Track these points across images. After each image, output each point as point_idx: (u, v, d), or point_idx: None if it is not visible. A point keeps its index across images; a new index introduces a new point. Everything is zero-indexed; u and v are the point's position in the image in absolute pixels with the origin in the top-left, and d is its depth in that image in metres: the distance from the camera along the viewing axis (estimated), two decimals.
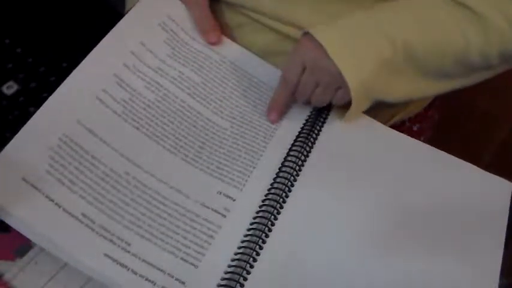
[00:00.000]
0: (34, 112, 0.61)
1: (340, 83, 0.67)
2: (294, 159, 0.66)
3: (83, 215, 0.57)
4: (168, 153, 0.65)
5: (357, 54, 0.66)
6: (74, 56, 0.66)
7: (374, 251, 0.62)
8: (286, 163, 0.66)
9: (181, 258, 0.58)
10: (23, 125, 0.60)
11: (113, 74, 0.67)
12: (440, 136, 0.92)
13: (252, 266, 0.59)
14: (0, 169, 0.57)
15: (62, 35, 0.75)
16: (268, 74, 0.74)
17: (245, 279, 0.58)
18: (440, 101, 0.75)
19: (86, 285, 0.58)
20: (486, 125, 1.39)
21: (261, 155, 0.68)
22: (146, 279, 0.56)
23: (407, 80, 0.69)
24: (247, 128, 0.70)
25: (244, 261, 0.59)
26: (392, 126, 0.74)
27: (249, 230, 0.61)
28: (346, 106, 0.69)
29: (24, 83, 0.71)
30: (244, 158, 0.67)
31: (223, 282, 0.57)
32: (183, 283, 0.57)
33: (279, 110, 0.71)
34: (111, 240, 0.57)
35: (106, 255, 0.56)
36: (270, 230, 0.61)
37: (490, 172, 0.68)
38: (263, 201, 0.63)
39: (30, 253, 0.59)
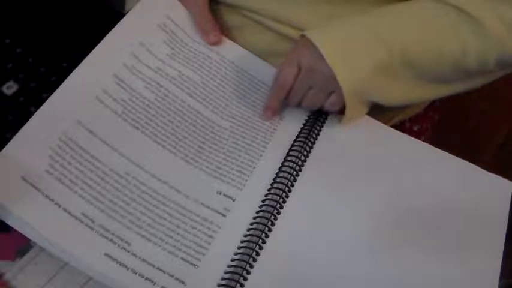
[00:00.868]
0: (34, 112, 0.61)
1: (333, 88, 0.67)
2: (294, 159, 0.66)
3: (83, 214, 0.57)
4: (168, 153, 0.65)
5: (352, 58, 0.66)
6: (74, 56, 0.66)
7: (374, 250, 0.62)
8: (286, 163, 0.66)
9: (182, 258, 0.58)
10: (23, 125, 0.60)
11: (112, 74, 0.67)
12: (440, 136, 0.92)
13: (252, 266, 0.58)
14: (0, 168, 0.57)
15: (62, 35, 0.75)
16: (268, 74, 0.74)
17: (245, 279, 0.58)
18: (441, 102, 0.75)
19: (85, 285, 0.58)
20: (486, 125, 1.39)
21: (261, 155, 0.68)
22: (146, 279, 0.56)
23: (404, 84, 0.69)
24: (247, 128, 0.70)
25: (245, 261, 0.59)
26: (393, 127, 0.74)
27: (249, 230, 0.61)
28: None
29: (24, 83, 0.71)
30: (244, 158, 0.67)
31: (224, 282, 0.57)
32: (183, 283, 0.57)
33: (274, 109, 0.72)
34: (111, 240, 0.57)
35: (106, 254, 0.56)
36: (270, 230, 0.61)
37: (490, 172, 0.68)
38: (263, 201, 0.63)
39: (30, 253, 0.59)
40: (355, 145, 0.70)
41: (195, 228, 0.60)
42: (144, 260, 0.57)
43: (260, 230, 0.61)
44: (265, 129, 0.70)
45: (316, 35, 0.66)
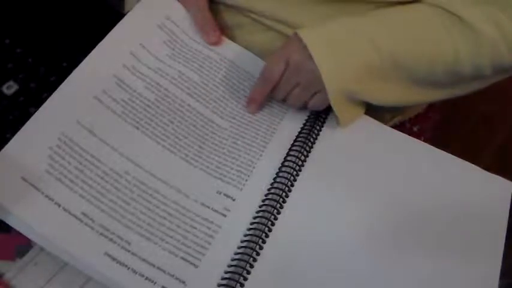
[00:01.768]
0: (34, 112, 0.61)
1: (318, 88, 0.68)
2: (294, 159, 0.66)
3: (83, 214, 0.57)
4: (168, 152, 0.65)
5: (340, 60, 0.66)
6: (74, 56, 0.66)
7: (373, 250, 0.62)
8: (286, 163, 0.66)
9: (182, 258, 0.58)
10: (23, 125, 0.60)
11: (112, 74, 0.67)
12: (440, 137, 0.92)
13: (252, 266, 0.58)
14: (0, 168, 0.57)
15: (62, 35, 0.75)
16: None
17: (245, 278, 0.58)
18: (441, 102, 0.75)
19: (85, 285, 0.58)
20: (486, 125, 1.39)
21: (261, 155, 0.68)
22: (146, 279, 0.56)
23: (396, 86, 0.69)
24: (247, 128, 0.70)
25: (245, 261, 0.59)
26: (393, 127, 0.74)
27: (249, 229, 0.61)
28: None
29: (24, 83, 0.71)
30: (244, 158, 0.67)
31: (224, 282, 0.57)
32: (183, 282, 0.57)
33: (258, 103, 0.72)
34: (111, 239, 0.57)
35: (106, 254, 0.56)
36: (270, 230, 0.61)
37: (490, 172, 0.68)
38: (263, 200, 0.63)
39: (30, 253, 0.59)
40: (355, 145, 0.70)
41: (195, 228, 0.60)
42: (144, 260, 0.57)
43: (260, 230, 0.61)
44: (265, 129, 0.70)
45: (308, 34, 0.67)
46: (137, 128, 0.65)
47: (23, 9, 0.76)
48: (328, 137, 0.70)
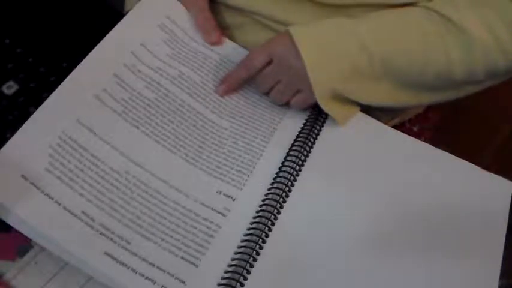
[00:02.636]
0: (34, 112, 0.61)
1: (300, 87, 0.68)
2: (294, 159, 0.66)
3: (83, 213, 0.57)
4: (168, 152, 0.65)
5: (327, 58, 0.67)
6: (74, 56, 0.66)
7: (374, 251, 0.62)
8: (286, 163, 0.66)
9: (182, 257, 0.58)
10: (23, 125, 0.60)
11: (112, 73, 0.67)
12: (440, 136, 0.92)
13: (252, 266, 0.58)
14: (0, 167, 0.57)
15: (62, 35, 0.75)
16: None
17: (245, 278, 0.58)
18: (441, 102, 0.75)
19: (85, 285, 0.58)
20: (486, 125, 1.39)
21: (261, 155, 0.68)
22: (146, 278, 0.56)
23: (386, 88, 0.69)
24: (247, 128, 0.70)
25: (245, 260, 0.59)
26: (393, 127, 0.74)
27: (249, 229, 0.61)
28: None
29: (24, 83, 0.71)
30: (244, 158, 0.67)
31: (224, 282, 0.57)
32: (183, 282, 0.57)
33: (230, 86, 0.72)
34: (111, 239, 0.57)
35: (106, 253, 0.56)
36: (270, 230, 0.61)
37: (490, 172, 0.68)
38: (263, 200, 0.63)
39: (30, 253, 0.59)
40: (355, 145, 0.70)
41: (195, 227, 0.60)
42: (144, 259, 0.57)
43: (260, 230, 0.61)
44: (265, 129, 0.70)
45: (298, 30, 0.67)
46: (137, 128, 0.65)
47: (23, 9, 0.76)
48: (328, 137, 0.70)
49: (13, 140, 0.59)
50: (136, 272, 0.56)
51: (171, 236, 0.59)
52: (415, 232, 0.63)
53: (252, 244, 0.60)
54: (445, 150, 0.69)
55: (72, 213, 0.57)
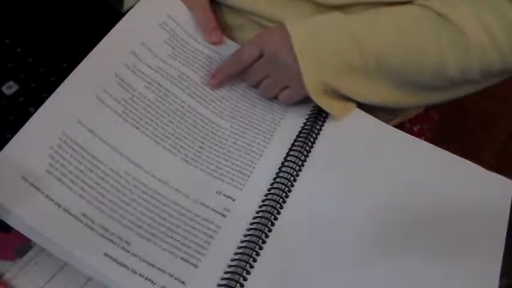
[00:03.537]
0: (34, 112, 0.61)
1: (288, 83, 0.69)
2: (294, 159, 0.66)
3: (83, 214, 0.57)
4: (168, 153, 0.65)
5: (319, 52, 0.67)
6: (74, 56, 0.66)
7: (374, 251, 0.61)
8: (286, 163, 0.66)
9: (181, 258, 0.58)
10: (23, 125, 0.60)
11: (113, 73, 0.67)
12: (440, 136, 0.92)
13: (252, 266, 0.58)
14: (0, 168, 0.57)
15: (62, 35, 0.75)
16: None
17: (245, 279, 0.58)
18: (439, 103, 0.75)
19: (85, 285, 0.58)
20: (486, 125, 1.39)
21: (261, 155, 0.68)
22: (146, 279, 0.56)
23: (381, 86, 0.69)
24: (247, 128, 0.70)
25: (245, 261, 0.59)
26: (393, 127, 0.74)
27: (249, 230, 0.61)
28: None
29: (24, 83, 0.71)
30: (244, 158, 0.67)
31: (223, 282, 0.57)
32: (183, 283, 0.57)
33: (220, 79, 0.72)
34: (111, 240, 0.57)
35: (106, 254, 0.56)
36: (270, 230, 0.61)
37: (490, 172, 0.68)
38: (263, 201, 0.63)
39: (30, 253, 0.59)
40: (355, 145, 0.70)
41: (195, 228, 0.60)
42: (144, 260, 0.57)
43: (260, 230, 0.61)
44: (265, 129, 0.70)
45: (292, 25, 0.67)
46: (137, 128, 0.65)
47: (23, 9, 0.76)
48: (328, 137, 0.70)
49: (14, 140, 0.59)
50: (136, 273, 0.56)
51: (171, 237, 0.59)
52: (416, 232, 0.63)
53: (252, 244, 0.60)
54: (445, 150, 0.69)
55: (72, 215, 0.57)
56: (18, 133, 0.59)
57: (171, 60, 0.71)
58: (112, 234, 0.57)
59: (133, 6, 0.72)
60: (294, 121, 0.71)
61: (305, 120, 0.71)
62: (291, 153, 0.67)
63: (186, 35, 0.74)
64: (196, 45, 0.74)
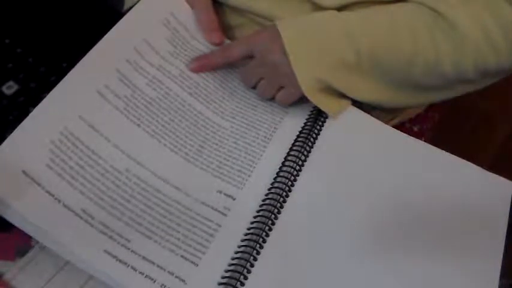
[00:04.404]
0: None
1: (283, 83, 0.69)
2: (294, 159, 0.66)
3: (83, 210, 0.57)
4: (168, 151, 0.65)
5: (312, 48, 0.67)
6: (74, 56, 0.65)
7: (374, 251, 0.61)
8: (286, 163, 0.66)
9: (182, 256, 0.58)
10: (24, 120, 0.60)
11: (115, 69, 0.67)
12: (440, 136, 0.92)
13: (252, 265, 0.58)
14: (0, 162, 0.57)
15: (62, 35, 0.75)
16: None
17: (246, 278, 0.57)
18: (440, 102, 0.75)
19: (85, 285, 0.58)
20: (486, 125, 1.39)
21: (261, 155, 0.68)
22: (146, 276, 0.56)
23: (376, 85, 0.69)
24: (247, 128, 0.70)
25: (245, 259, 0.58)
26: (393, 127, 0.74)
27: (249, 229, 0.61)
28: None
29: (24, 83, 0.71)
30: (245, 158, 0.67)
31: (224, 281, 0.57)
32: (183, 281, 0.57)
33: (202, 67, 0.72)
34: (111, 237, 0.57)
35: (106, 251, 0.56)
36: (270, 229, 0.61)
37: (490, 172, 0.68)
38: (263, 200, 0.63)
39: (30, 253, 0.59)
40: (356, 145, 0.70)
41: (196, 226, 0.60)
42: (144, 258, 0.57)
43: (261, 229, 0.61)
44: (265, 129, 0.70)
45: (283, 23, 0.67)
46: (138, 126, 0.65)
47: (23, 9, 0.76)
48: (328, 137, 0.70)
49: (14, 135, 0.58)
50: (136, 271, 0.56)
51: (171, 235, 0.59)
52: (415, 232, 0.63)
53: (252, 243, 0.60)
54: (445, 150, 0.69)
55: (71, 211, 0.57)
56: (19, 127, 0.59)
57: (172, 58, 0.71)
58: (112, 231, 0.57)
59: (134, 5, 0.72)
60: (294, 121, 0.71)
61: (305, 121, 0.71)
62: (291, 153, 0.67)
63: (187, 34, 0.74)
64: (197, 44, 0.74)
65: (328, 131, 0.70)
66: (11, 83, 0.71)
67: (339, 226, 0.63)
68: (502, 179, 0.68)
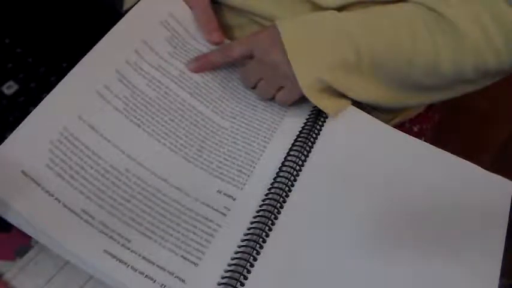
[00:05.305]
0: None
1: (282, 83, 0.69)
2: (294, 159, 0.66)
3: (83, 210, 0.57)
4: (168, 151, 0.65)
5: (312, 49, 0.67)
6: (74, 56, 0.66)
7: (373, 250, 0.61)
8: (286, 163, 0.66)
9: (182, 256, 0.58)
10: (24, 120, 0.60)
11: (115, 69, 0.67)
12: (440, 136, 0.92)
13: (252, 265, 0.58)
14: (0, 162, 0.57)
15: (61, 35, 0.75)
16: None
17: (246, 278, 0.57)
18: (440, 102, 0.75)
19: (85, 285, 0.57)
20: (486, 125, 1.39)
21: (261, 155, 0.68)
22: (146, 276, 0.56)
23: (376, 85, 0.69)
24: (247, 128, 0.70)
25: (245, 260, 0.58)
26: (393, 127, 0.74)
27: (249, 229, 0.61)
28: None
29: (24, 83, 0.71)
30: (245, 158, 0.67)
31: (224, 281, 0.57)
32: (183, 281, 0.57)
33: (202, 66, 0.72)
34: (110, 237, 0.57)
35: (105, 251, 0.56)
36: (270, 229, 0.61)
37: (490, 172, 0.68)
38: (263, 200, 0.63)
39: (30, 253, 0.58)
40: (355, 145, 0.70)
41: (196, 226, 0.60)
42: (143, 258, 0.57)
43: (260, 229, 0.61)
44: (265, 129, 0.70)
45: (284, 23, 0.67)
46: (138, 126, 0.65)
47: (23, 9, 0.76)
48: (328, 137, 0.70)
49: (14, 135, 0.58)
50: (136, 270, 0.56)
51: (171, 235, 0.59)
52: (415, 232, 0.63)
53: (252, 243, 0.60)
54: (445, 150, 0.69)
55: (71, 211, 0.57)
56: (19, 127, 0.59)
57: (171, 58, 0.72)
58: (112, 231, 0.57)
59: (134, 5, 0.72)
60: (294, 121, 0.71)
61: (305, 120, 0.71)
62: (291, 153, 0.67)
63: (187, 34, 0.74)
64: (196, 44, 0.74)
65: (328, 131, 0.70)
66: (11, 83, 0.71)
67: (338, 226, 0.63)
68: (502, 179, 0.68)
